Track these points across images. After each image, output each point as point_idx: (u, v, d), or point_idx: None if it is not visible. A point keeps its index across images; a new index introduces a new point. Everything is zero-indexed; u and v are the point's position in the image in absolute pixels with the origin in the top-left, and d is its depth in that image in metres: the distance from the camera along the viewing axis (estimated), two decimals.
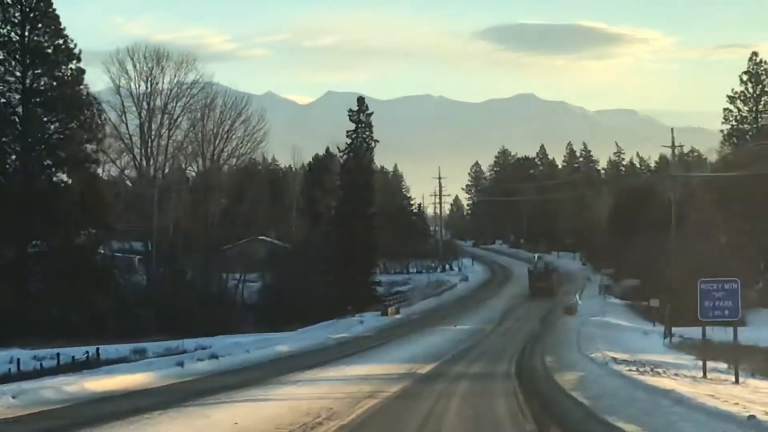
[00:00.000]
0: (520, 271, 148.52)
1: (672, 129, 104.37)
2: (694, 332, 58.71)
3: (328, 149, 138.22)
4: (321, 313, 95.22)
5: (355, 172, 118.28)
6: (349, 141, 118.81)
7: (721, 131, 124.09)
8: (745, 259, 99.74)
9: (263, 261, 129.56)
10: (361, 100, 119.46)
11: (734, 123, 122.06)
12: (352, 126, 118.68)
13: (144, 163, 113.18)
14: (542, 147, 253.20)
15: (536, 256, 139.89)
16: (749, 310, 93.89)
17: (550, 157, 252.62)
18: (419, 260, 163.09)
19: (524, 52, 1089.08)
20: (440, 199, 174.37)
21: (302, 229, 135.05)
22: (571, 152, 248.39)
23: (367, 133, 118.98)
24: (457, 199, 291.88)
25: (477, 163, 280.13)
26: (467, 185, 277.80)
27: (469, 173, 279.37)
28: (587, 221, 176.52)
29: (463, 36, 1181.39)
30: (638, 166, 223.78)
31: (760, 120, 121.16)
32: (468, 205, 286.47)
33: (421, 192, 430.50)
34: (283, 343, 63.94)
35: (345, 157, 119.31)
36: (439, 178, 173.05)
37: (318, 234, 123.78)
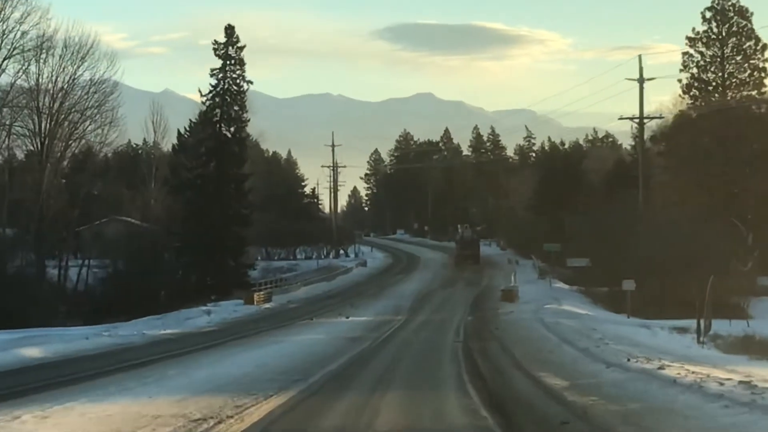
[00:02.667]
0: (430, 257, 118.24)
1: (639, 57, 74.45)
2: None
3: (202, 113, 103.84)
4: (175, 301, 70.68)
5: (222, 121, 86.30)
6: (213, 82, 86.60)
7: (679, 81, 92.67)
8: (724, 228, 73.47)
9: (118, 243, 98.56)
10: (229, 28, 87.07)
11: (695, 71, 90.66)
12: (218, 63, 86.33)
13: None
14: (446, 131, 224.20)
15: (463, 225, 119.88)
16: (752, 299, 66.34)
17: (455, 142, 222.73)
18: (310, 246, 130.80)
19: (422, 52, 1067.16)
20: (335, 174, 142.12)
21: (161, 204, 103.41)
22: (478, 136, 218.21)
23: (238, 71, 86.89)
24: (355, 190, 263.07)
25: (377, 151, 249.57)
26: (366, 174, 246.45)
27: (368, 161, 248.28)
28: (502, 205, 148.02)
29: (361, 35, 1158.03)
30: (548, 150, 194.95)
31: (727, 66, 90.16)
32: (367, 195, 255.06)
33: (316, 181, 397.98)
34: (45, 344, 36.59)
35: (209, 103, 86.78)
36: (333, 146, 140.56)
37: (179, 208, 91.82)
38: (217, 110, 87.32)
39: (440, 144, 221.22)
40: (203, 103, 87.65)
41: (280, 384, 22.91)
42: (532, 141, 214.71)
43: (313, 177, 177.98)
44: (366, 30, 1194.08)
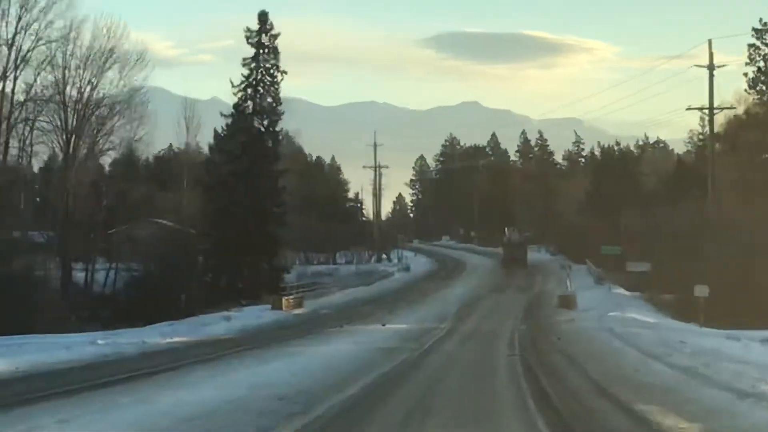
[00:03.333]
0: (476, 262, 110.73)
1: (710, 41, 66.55)
2: None
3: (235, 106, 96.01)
4: (201, 306, 63.41)
5: (256, 114, 79.34)
6: (246, 73, 79.47)
7: (744, 74, 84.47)
8: None
9: (149, 246, 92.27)
10: (263, 15, 79.91)
11: (762, 64, 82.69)
12: (250, 52, 79.19)
13: None
14: (494, 135, 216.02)
15: (510, 228, 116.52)
16: None
17: (503, 147, 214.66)
18: (352, 251, 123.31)
19: (468, 61, 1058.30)
20: (377, 176, 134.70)
21: (194, 204, 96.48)
22: (525, 141, 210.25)
23: (272, 61, 79.78)
24: (400, 196, 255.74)
25: (422, 156, 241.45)
26: (411, 179, 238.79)
27: (413, 167, 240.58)
28: (552, 209, 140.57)
29: (407, 44, 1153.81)
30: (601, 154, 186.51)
31: None
32: (412, 201, 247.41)
33: (360, 186, 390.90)
34: (16, 355, 29.92)
35: (240, 94, 79.71)
36: (375, 146, 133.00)
37: (212, 209, 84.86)
38: (250, 102, 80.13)
39: (487, 149, 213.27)
40: (234, 94, 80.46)
41: (267, 420, 15.59)
42: (581, 146, 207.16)
43: (358, 183, 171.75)
44: (412, 38, 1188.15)
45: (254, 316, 52.53)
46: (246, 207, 78.58)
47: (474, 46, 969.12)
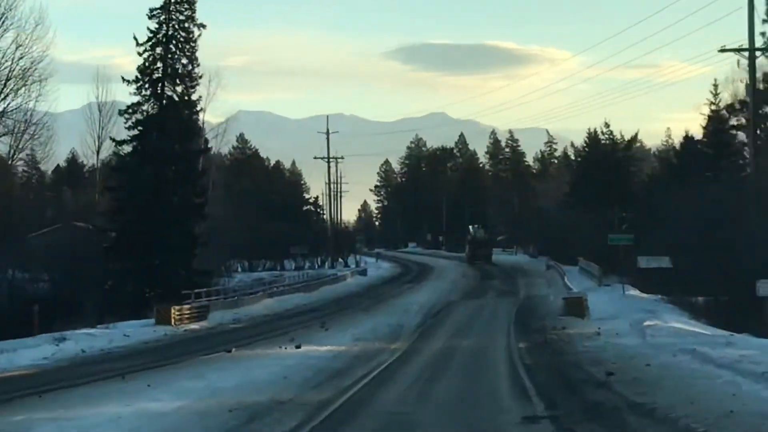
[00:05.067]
0: (445, 266, 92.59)
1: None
2: None
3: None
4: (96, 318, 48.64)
5: (167, 79, 60.95)
6: (154, 27, 60.77)
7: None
8: None
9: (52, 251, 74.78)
10: None
11: None
12: (158, 2, 60.61)
13: None
14: (461, 136, 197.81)
15: (475, 226, 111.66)
16: None
17: (472, 147, 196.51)
18: (303, 256, 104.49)
19: (434, 72, 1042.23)
20: (337, 175, 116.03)
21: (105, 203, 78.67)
22: (495, 142, 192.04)
23: (187, 12, 61.30)
24: (365, 204, 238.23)
25: (387, 161, 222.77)
26: (376, 185, 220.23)
27: (378, 173, 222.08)
28: (531, 206, 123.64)
29: (373, 56, 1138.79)
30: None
31: None
32: (377, 209, 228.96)
33: (321, 191, 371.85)
34: None
35: (147, 54, 60.97)
36: (327, 134, 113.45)
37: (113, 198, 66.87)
38: (160, 64, 61.46)
39: (455, 150, 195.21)
40: (139, 54, 61.58)
41: None
42: (554, 147, 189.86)
43: (320, 191, 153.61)
44: (378, 51, 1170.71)
45: (118, 335, 34.00)
46: (155, 196, 60.04)
47: (439, 58, 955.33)
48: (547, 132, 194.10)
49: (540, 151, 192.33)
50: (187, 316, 40.76)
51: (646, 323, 33.51)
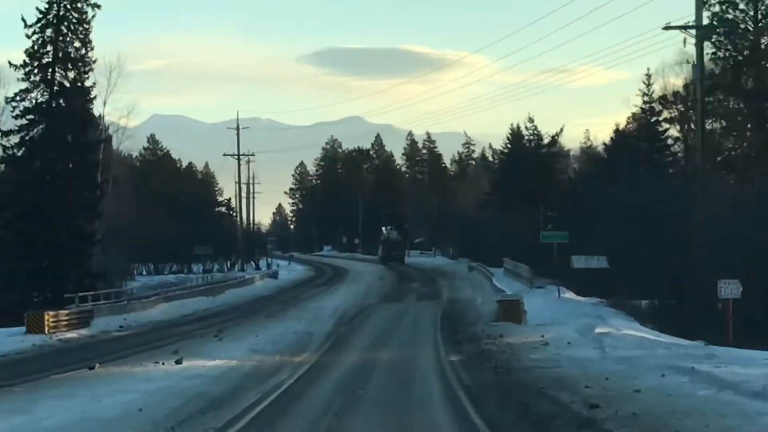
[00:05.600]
0: (361, 269, 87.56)
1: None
2: None
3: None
4: None
5: (58, 63, 55.36)
6: (44, 7, 55.00)
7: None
8: None
9: None
10: None
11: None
12: None
13: None
14: (378, 136, 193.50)
15: (387, 227, 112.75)
16: None
17: (388, 149, 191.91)
18: (212, 259, 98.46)
19: (350, 76, 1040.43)
20: (242, 172, 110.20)
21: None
22: (413, 143, 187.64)
23: None
24: (280, 207, 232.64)
25: (302, 163, 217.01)
26: (291, 188, 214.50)
27: (293, 175, 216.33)
28: (450, 206, 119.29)
29: (289, 60, 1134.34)
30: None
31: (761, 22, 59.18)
32: (292, 212, 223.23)
33: (234, 194, 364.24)
34: None
35: (36, 38, 55.13)
36: (238, 129, 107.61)
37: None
38: (50, 47, 55.73)
39: (371, 152, 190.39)
40: (28, 37, 55.80)
41: None
42: (472, 149, 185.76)
43: (234, 193, 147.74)
44: (293, 55, 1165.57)
45: None
46: (43, 190, 54.24)
47: (355, 62, 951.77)
48: (465, 134, 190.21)
49: (458, 152, 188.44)
50: (65, 323, 35.07)
51: (598, 330, 28.67)
